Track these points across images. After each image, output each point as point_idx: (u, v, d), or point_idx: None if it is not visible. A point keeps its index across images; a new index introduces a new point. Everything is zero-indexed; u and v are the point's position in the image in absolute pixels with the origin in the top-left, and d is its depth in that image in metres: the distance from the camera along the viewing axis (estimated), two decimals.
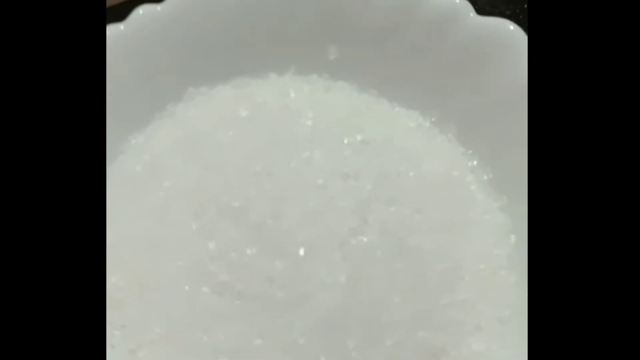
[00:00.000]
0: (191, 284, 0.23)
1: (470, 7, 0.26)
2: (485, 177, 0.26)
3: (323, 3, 0.27)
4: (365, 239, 0.23)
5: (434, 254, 0.23)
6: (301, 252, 0.23)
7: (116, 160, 0.26)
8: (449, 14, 0.26)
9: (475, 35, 0.26)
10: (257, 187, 0.24)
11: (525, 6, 0.33)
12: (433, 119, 0.28)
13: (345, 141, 0.25)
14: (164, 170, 0.25)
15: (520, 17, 0.33)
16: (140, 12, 0.26)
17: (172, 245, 0.24)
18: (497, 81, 0.26)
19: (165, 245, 0.24)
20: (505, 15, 0.33)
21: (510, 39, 0.26)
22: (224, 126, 0.26)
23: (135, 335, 0.23)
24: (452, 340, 0.22)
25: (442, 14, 0.27)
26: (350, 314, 0.22)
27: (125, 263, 0.24)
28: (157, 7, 0.26)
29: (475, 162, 0.27)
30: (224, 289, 0.23)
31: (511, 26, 0.26)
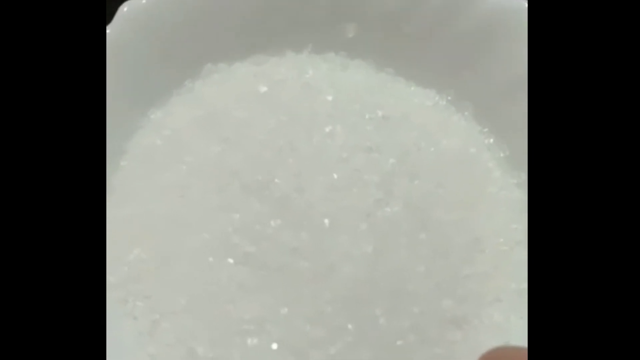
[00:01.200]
0: (215, 256, 0.23)
1: None
2: (501, 155, 0.27)
3: None
4: (390, 211, 0.23)
5: (455, 227, 0.24)
6: (326, 222, 0.23)
7: (136, 134, 0.26)
8: None
9: (490, 15, 0.27)
10: (280, 161, 0.24)
11: None
12: (449, 98, 0.28)
13: (367, 116, 0.26)
14: (184, 145, 0.25)
15: None
16: None
17: (195, 219, 0.24)
18: (511, 60, 0.27)
19: (188, 219, 0.24)
20: None
21: (524, 17, 0.26)
22: (243, 102, 0.26)
23: (159, 306, 0.23)
24: (473, 310, 0.23)
25: None
26: (376, 284, 0.22)
27: (147, 236, 0.24)
28: None
29: (491, 140, 0.27)
30: (248, 260, 0.23)
31: (522, 3, 0.26)
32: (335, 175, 0.24)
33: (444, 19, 0.27)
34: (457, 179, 0.25)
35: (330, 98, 0.26)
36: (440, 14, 0.27)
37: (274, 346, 0.22)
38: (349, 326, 0.22)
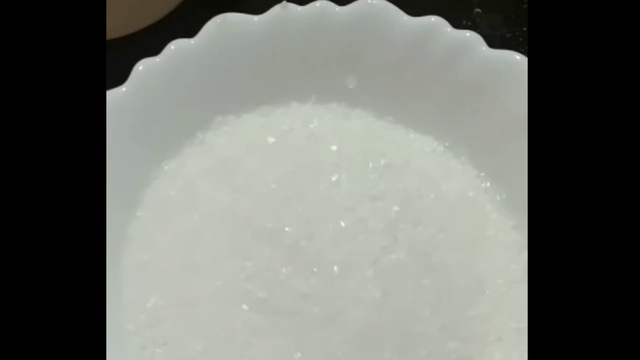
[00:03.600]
0: (229, 302, 0.24)
1: (481, 40, 0.28)
2: (498, 198, 0.28)
3: (342, 37, 0.29)
4: (395, 257, 0.24)
5: (457, 270, 0.25)
6: (335, 269, 0.24)
7: (151, 185, 0.27)
8: (461, 46, 0.28)
9: (484, 66, 0.28)
10: (289, 210, 0.25)
11: (525, 29, 0.35)
12: (446, 144, 0.29)
13: (370, 165, 0.27)
14: (197, 195, 0.27)
15: (520, 39, 0.35)
16: (172, 47, 0.28)
17: (209, 266, 0.25)
18: (506, 108, 0.28)
19: (202, 266, 0.25)
20: (505, 37, 0.35)
21: (517, 68, 0.28)
22: (252, 152, 0.28)
23: (177, 352, 0.24)
24: (478, 350, 0.24)
25: (454, 46, 0.28)
26: (384, 327, 0.23)
27: (163, 284, 0.25)
28: (190, 42, 0.27)
29: (488, 184, 0.28)
30: (261, 306, 0.24)
31: (517, 57, 0.28)
32: (342, 223, 0.25)
33: (440, 69, 0.29)
34: (457, 222, 0.26)
35: (334, 148, 0.28)
36: (438, 66, 0.29)
37: None
38: None
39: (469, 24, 0.35)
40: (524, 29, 0.35)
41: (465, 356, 0.23)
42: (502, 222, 0.27)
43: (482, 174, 0.29)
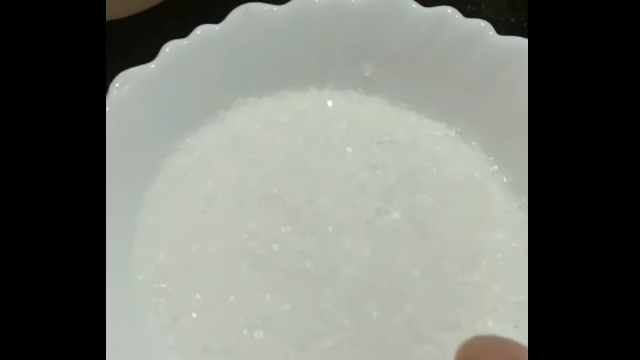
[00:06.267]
0: (230, 259, 0.25)
1: (490, 27, 0.29)
2: (505, 180, 0.28)
3: (359, 27, 0.31)
4: (389, 219, 0.25)
5: (454, 239, 0.25)
6: (330, 229, 0.25)
7: (171, 156, 0.29)
8: (472, 33, 0.29)
9: (496, 53, 0.29)
10: (294, 178, 0.27)
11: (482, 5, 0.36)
12: (458, 129, 0.30)
13: (376, 140, 0.28)
14: (212, 166, 0.28)
15: (525, 24, 0.35)
16: (199, 32, 0.30)
17: (216, 228, 0.26)
18: (515, 94, 0.29)
19: (210, 229, 0.27)
20: (509, 22, 0.35)
21: (526, 54, 0.28)
22: (266, 130, 0.29)
23: (179, 303, 0.25)
24: (467, 316, 0.24)
25: (465, 34, 0.29)
26: (372, 284, 0.24)
27: (173, 243, 0.27)
28: (216, 27, 0.30)
29: (496, 167, 0.29)
30: (259, 262, 0.25)
31: (526, 43, 0.28)
32: (341, 189, 0.26)
33: (453, 58, 0.30)
34: (459, 197, 0.27)
35: (344, 126, 0.29)
36: (449, 54, 0.30)
37: (278, 339, 0.23)
38: (346, 322, 0.23)
39: (474, 9, 0.36)
40: None
41: (454, 320, 0.23)
42: (507, 203, 0.28)
43: (491, 158, 0.29)
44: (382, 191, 0.26)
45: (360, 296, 0.24)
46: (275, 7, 0.30)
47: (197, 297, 0.25)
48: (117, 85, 0.28)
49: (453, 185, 0.27)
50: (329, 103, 0.30)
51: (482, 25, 0.29)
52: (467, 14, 0.29)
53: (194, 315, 0.25)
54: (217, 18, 0.30)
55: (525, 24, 0.35)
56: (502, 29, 0.29)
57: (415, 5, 0.30)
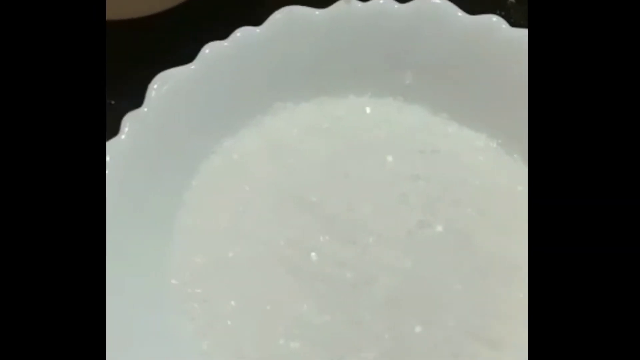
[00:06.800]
0: (267, 265, 0.25)
1: None
2: None
3: (401, 34, 0.30)
4: (431, 231, 0.24)
5: (496, 253, 0.25)
6: (370, 240, 0.24)
7: (208, 158, 0.29)
8: (517, 43, 0.29)
9: None
10: (333, 185, 0.26)
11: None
12: (500, 141, 0.29)
13: (417, 149, 0.27)
14: (249, 169, 0.28)
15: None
16: (239, 34, 0.30)
17: (252, 232, 0.26)
18: None
19: (247, 233, 0.26)
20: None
21: None
22: (305, 135, 0.29)
23: (214, 308, 0.25)
24: (508, 331, 0.23)
25: (510, 43, 0.29)
26: (412, 296, 0.23)
27: (209, 246, 0.26)
28: (256, 30, 0.29)
29: None
30: (297, 270, 0.25)
31: None
32: (382, 198, 0.26)
33: (495, 66, 0.29)
34: (501, 211, 0.26)
35: (384, 134, 0.28)
36: (492, 63, 0.29)
37: (315, 350, 0.23)
38: (386, 335, 0.23)
39: (503, 14, 0.35)
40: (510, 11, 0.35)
41: (494, 336, 0.23)
42: None
43: None
44: (424, 202, 0.25)
45: (400, 309, 0.23)
46: (317, 11, 0.30)
47: (232, 303, 0.25)
48: (155, 86, 0.28)
49: (495, 199, 0.27)
50: (367, 110, 0.30)
51: (526, 35, 0.29)
52: None
53: (229, 322, 0.24)
54: (256, 21, 0.30)
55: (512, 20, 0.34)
56: None
57: (461, 13, 0.29)
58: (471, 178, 0.27)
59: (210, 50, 0.29)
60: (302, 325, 0.24)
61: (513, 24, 0.29)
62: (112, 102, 0.32)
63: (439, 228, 0.25)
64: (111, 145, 0.25)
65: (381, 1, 0.30)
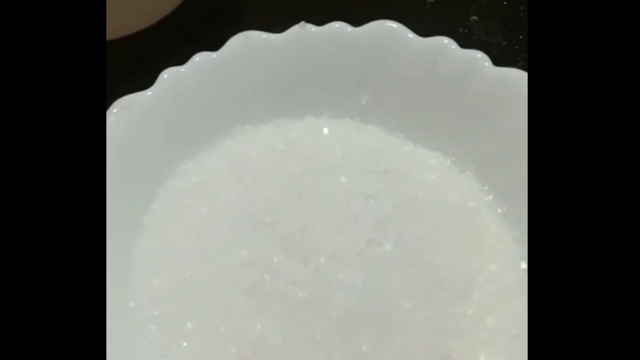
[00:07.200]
0: (224, 286, 0.26)
1: (487, 58, 0.29)
2: (499, 210, 0.28)
3: (356, 57, 0.31)
4: (381, 249, 0.25)
5: (447, 269, 0.25)
6: (322, 259, 0.25)
7: (167, 181, 0.29)
8: (469, 64, 0.29)
9: (491, 84, 0.29)
10: (288, 205, 0.27)
11: (521, 36, 0.35)
12: (453, 159, 0.30)
13: (370, 169, 0.28)
14: (208, 191, 0.29)
15: (516, 47, 0.35)
16: (197, 59, 0.30)
17: (210, 255, 0.27)
18: (512, 125, 0.29)
19: (204, 255, 0.27)
20: (502, 45, 0.35)
21: (522, 86, 0.28)
22: (263, 157, 0.29)
23: (170, 330, 0.25)
24: (460, 349, 0.24)
25: (462, 64, 0.30)
26: (364, 314, 0.24)
27: (167, 268, 0.27)
28: (213, 55, 0.30)
29: (491, 197, 0.29)
30: (252, 290, 0.25)
31: (522, 75, 0.29)
32: (335, 218, 0.26)
33: (449, 88, 0.30)
34: (453, 227, 0.27)
35: (340, 154, 0.29)
36: (446, 84, 0.30)
37: None
38: (336, 354, 0.23)
39: (466, 31, 0.36)
40: (521, 36, 0.35)
41: (445, 352, 0.23)
42: (501, 233, 0.28)
43: (486, 188, 0.29)
44: (376, 221, 0.26)
45: (352, 327, 0.24)
46: (272, 36, 0.31)
47: (188, 325, 0.25)
48: (114, 111, 0.28)
49: (447, 215, 0.27)
50: (325, 131, 0.31)
51: (479, 57, 0.29)
52: (460, 36, 0.30)
53: (185, 344, 0.25)
54: (215, 46, 0.30)
55: (517, 47, 0.35)
56: (495, 52, 0.29)
57: (412, 35, 0.30)
58: (423, 195, 0.28)
59: (168, 75, 0.30)
60: (256, 345, 0.24)
61: (476, 40, 0.29)
62: None
63: (389, 246, 0.25)
64: None
65: (336, 25, 0.31)
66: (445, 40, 0.30)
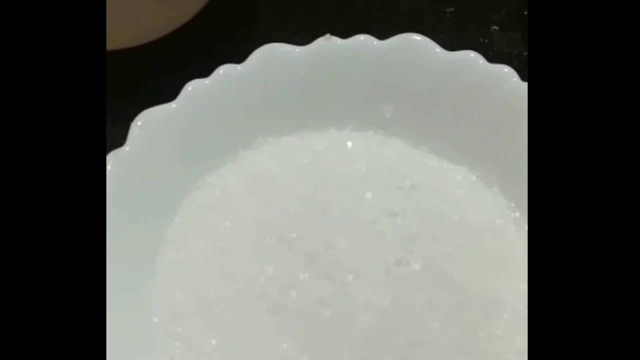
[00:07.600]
0: (248, 303, 0.25)
1: (514, 73, 0.29)
2: (526, 228, 0.28)
3: (381, 69, 0.31)
4: (409, 268, 0.25)
5: (475, 288, 0.25)
6: (349, 278, 0.25)
7: (191, 194, 0.29)
8: (495, 78, 0.29)
9: (518, 99, 0.29)
10: (312, 221, 0.27)
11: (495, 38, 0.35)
12: (479, 174, 0.30)
13: (395, 185, 0.28)
14: (231, 205, 0.28)
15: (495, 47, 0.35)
16: (221, 71, 0.30)
17: (233, 268, 0.26)
18: None
19: (227, 268, 0.26)
20: (523, 56, 0.35)
21: None
22: (286, 170, 0.29)
23: (194, 347, 0.25)
24: None
25: (488, 79, 0.29)
26: (391, 335, 0.23)
27: (190, 282, 0.27)
28: (237, 67, 0.30)
29: (517, 214, 0.28)
30: (277, 308, 0.25)
31: None
32: (360, 235, 0.26)
33: (474, 102, 0.30)
34: (479, 244, 0.26)
35: (364, 168, 0.29)
36: (471, 98, 0.30)
37: None
38: None
39: (487, 41, 0.35)
40: None
41: None
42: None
43: (513, 204, 0.29)
44: (401, 240, 0.26)
45: (378, 348, 0.23)
46: (297, 48, 0.30)
47: (212, 342, 0.25)
48: (138, 123, 0.28)
49: (473, 231, 0.27)
50: (349, 144, 0.30)
51: (506, 71, 0.29)
52: (480, 46, 0.29)
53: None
54: (239, 58, 0.30)
55: None
56: (516, 62, 0.28)
57: (440, 49, 0.30)
58: (449, 212, 0.27)
59: (192, 87, 0.29)
60: None
61: (496, 51, 0.29)
62: None
63: (417, 265, 0.25)
64: None
65: (361, 38, 0.31)
66: (472, 54, 0.30)
